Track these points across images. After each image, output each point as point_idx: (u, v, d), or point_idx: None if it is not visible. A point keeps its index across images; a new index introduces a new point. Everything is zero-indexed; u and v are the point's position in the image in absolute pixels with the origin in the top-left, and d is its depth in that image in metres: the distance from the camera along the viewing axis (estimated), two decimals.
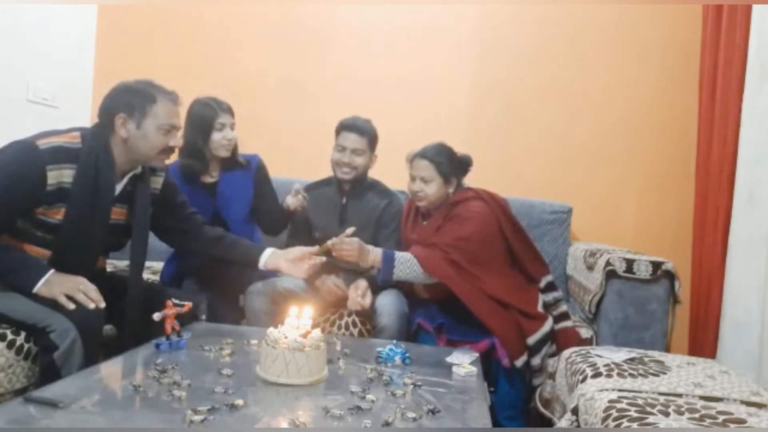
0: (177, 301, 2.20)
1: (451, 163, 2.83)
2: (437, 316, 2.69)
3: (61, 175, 2.14)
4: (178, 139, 2.39)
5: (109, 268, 2.75)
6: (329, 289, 2.77)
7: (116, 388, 1.74)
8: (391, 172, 3.12)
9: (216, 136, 2.87)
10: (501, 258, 2.80)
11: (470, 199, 2.82)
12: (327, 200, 3.05)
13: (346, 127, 2.96)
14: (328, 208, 3.04)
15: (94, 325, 2.11)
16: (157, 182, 2.54)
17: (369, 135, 2.96)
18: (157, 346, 2.10)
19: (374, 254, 2.67)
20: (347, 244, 2.60)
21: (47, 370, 1.99)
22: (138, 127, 2.26)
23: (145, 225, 2.45)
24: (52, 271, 2.13)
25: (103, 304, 2.13)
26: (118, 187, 2.34)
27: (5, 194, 2.07)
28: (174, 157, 2.75)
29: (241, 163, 3.01)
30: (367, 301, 2.69)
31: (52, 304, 2.06)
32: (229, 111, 2.93)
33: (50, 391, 1.63)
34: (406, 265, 2.67)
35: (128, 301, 2.33)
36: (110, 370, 1.92)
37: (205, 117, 2.86)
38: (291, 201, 2.97)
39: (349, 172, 2.95)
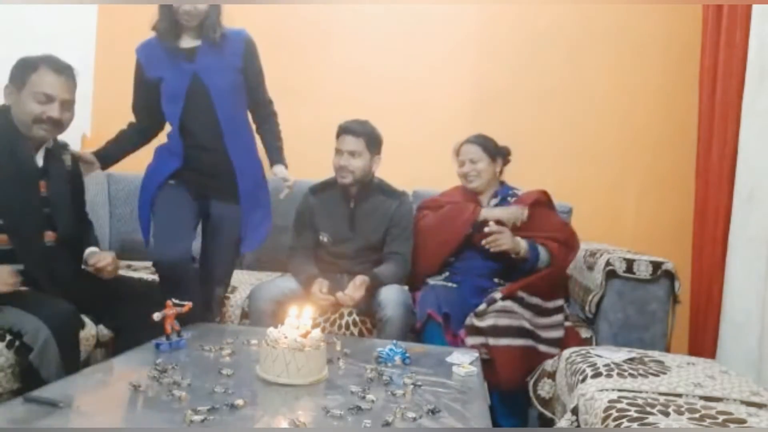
0: (177, 301, 2.20)
1: (494, 146, 3.06)
2: (443, 304, 2.71)
3: None
4: (61, 112, 2.32)
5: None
6: (312, 294, 2.76)
7: (116, 388, 1.74)
8: (394, 171, 3.14)
9: None
10: None
11: (538, 206, 2.98)
12: (335, 204, 3.04)
13: (342, 130, 2.97)
14: (337, 213, 3.03)
15: (66, 322, 2.11)
16: (68, 159, 2.54)
17: (365, 136, 2.94)
18: (157, 346, 2.10)
19: (523, 242, 2.80)
20: (501, 234, 2.74)
21: (27, 373, 2.00)
22: (18, 95, 2.27)
23: (63, 200, 2.45)
24: None
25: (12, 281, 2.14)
26: (40, 160, 2.37)
27: None
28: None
29: (223, 33, 2.74)
30: (357, 294, 2.70)
31: (22, 305, 2.07)
32: None
33: (50, 391, 1.63)
34: (544, 253, 2.83)
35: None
36: (110, 370, 1.93)
37: None
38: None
39: (347, 175, 2.93)
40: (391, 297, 2.70)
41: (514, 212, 2.88)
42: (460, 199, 3.09)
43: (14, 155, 2.27)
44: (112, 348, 2.51)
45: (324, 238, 3.00)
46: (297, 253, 3.02)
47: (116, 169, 3.74)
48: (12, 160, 2.26)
